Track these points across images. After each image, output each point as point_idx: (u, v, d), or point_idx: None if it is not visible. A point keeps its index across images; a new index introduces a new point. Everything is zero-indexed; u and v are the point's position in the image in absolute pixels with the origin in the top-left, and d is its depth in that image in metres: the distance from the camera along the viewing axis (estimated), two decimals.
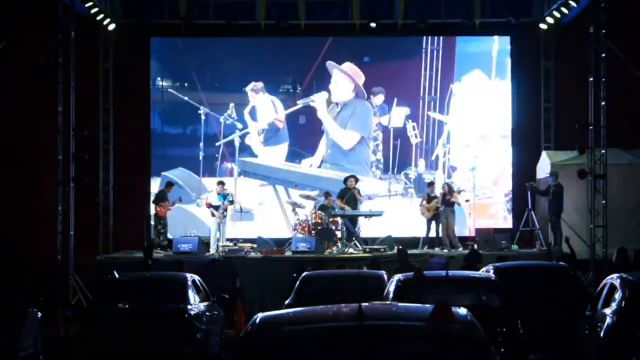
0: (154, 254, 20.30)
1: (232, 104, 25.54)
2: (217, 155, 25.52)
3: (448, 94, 25.56)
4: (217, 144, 25.48)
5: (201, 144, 25.46)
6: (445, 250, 21.53)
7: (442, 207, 22.13)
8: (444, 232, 22.08)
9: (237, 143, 25.53)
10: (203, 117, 25.45)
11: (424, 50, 25.64)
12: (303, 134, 26.19)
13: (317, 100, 25.54)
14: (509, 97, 24.52)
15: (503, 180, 25.28)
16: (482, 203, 25.16)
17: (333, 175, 25.54)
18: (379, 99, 25.61)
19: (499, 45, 25.28)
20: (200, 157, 25.41)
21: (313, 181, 25.57)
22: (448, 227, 22.06)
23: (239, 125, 25.55)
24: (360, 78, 25.63)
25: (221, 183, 22.73)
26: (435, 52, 25.70)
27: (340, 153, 25.89)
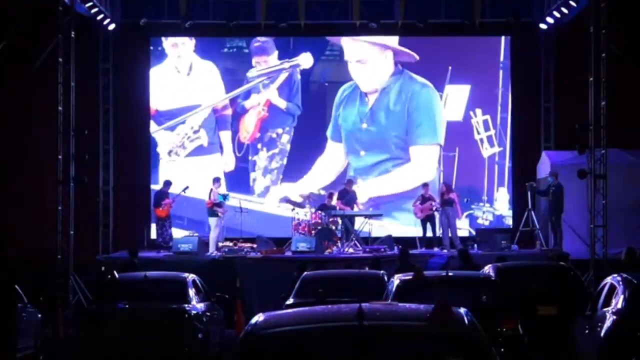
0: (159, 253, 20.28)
1: None
2: None
3: None
4: None
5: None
6: (445, 250, 21.50)
7: (439, 207, 22.01)
8: (445, 232, 21.98)
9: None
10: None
11: None
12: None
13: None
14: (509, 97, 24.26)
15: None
16: None
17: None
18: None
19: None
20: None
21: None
22: (450, 226, 21.95)
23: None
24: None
25: (218, 180, 22.37)
26: None
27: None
